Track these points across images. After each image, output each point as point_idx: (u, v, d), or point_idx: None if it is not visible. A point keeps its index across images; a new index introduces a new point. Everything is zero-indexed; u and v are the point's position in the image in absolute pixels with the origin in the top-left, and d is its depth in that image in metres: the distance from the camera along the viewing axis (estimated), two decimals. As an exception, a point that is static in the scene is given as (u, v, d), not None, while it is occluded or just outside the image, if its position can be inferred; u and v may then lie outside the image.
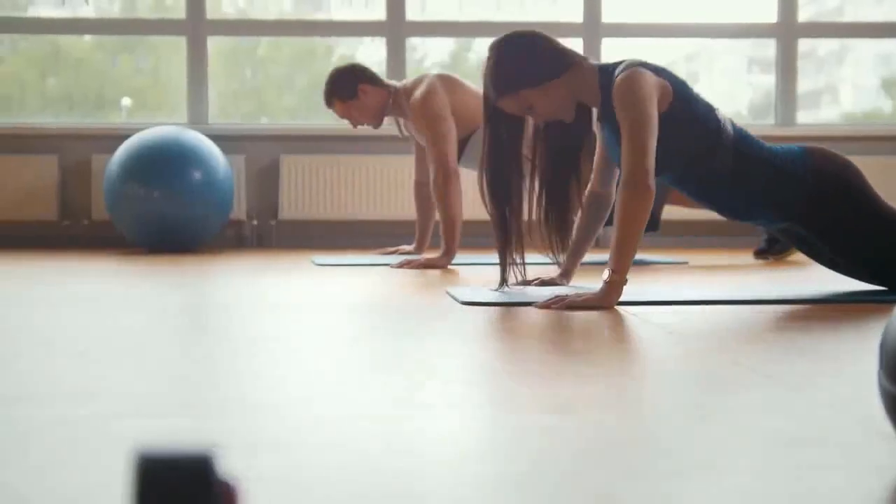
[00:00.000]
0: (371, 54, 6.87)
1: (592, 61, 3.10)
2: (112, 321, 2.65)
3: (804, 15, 6.69)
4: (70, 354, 2.11)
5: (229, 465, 1.20)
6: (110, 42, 7.02)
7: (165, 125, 5.74)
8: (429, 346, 2.26)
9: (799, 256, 4.75)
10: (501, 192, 3.13)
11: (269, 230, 6.18)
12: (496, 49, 3.08)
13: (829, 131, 6.42)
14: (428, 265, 4.43)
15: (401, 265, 4.41)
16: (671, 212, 5.06)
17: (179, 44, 6.39)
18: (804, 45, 6.68)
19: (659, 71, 3.00)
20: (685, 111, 2.99)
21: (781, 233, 3.25)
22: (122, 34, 6.78)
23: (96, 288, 3.61)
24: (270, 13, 7.10)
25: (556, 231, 3.21)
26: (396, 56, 6.28)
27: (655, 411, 1.62)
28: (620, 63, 3.01)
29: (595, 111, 3.12)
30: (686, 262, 4.80)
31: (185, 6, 6.24)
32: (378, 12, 6.41)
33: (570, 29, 6.39)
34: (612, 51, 6.40)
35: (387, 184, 6.17)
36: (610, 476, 1.21)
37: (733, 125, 3.07)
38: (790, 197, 3.06)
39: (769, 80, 6.74)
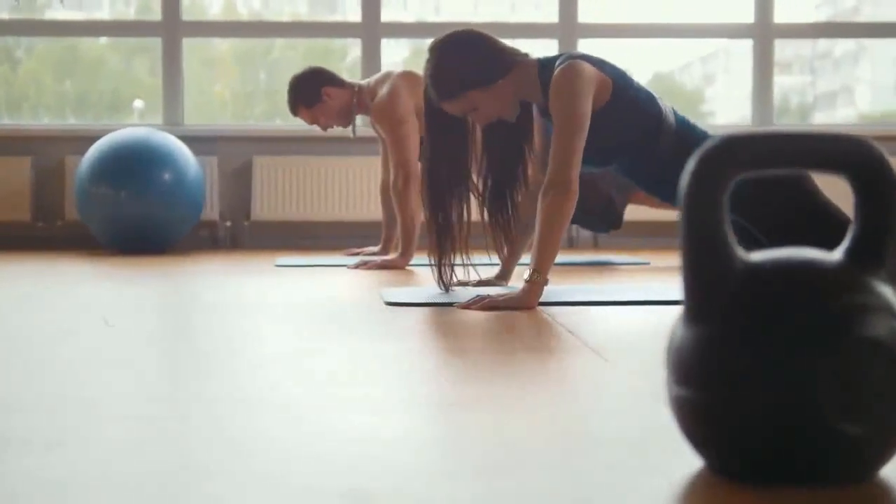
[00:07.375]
0: (393, 54, 6.88)
1: (532, 56, 3.08)
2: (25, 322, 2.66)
3: (822, 15, 6.60)
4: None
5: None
6: (126, 44, 7.06)
7: (137, 126, 5.76)
8: (333, 347, 2.26)
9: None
10: (440, 197, 3.10)
11: (242, 231, 6.19)
12: (438, 50, 3.04)
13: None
14: (385, 266, 4.43)
15: (357, 266, 4.41)
16: (637, 212, 5.04)
17: (194, 45, 6.58)
18: (821, 45, 6.60)
19: (599, 63, 2.98)
20: (626, 102, 2.97)
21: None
22: (97, 35, 6.82)
23: (35, 290, 3.62)
24: (284, 15, 7.19)
25: (503, 230, 3.20)
26: (371, 58, 6.27)
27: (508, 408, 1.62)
28: (560, 56, 3.00)
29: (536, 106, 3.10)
30: (648, 263, 4.79)
31: (160, 8, 6.26)
32: (401, 13, 6.40)
33: (545, 29, 6.38)
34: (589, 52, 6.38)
35: (360, 185, 6.16)
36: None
37: (675, 113, 3.06)
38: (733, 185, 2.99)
39: (788, 81, 6.65)
